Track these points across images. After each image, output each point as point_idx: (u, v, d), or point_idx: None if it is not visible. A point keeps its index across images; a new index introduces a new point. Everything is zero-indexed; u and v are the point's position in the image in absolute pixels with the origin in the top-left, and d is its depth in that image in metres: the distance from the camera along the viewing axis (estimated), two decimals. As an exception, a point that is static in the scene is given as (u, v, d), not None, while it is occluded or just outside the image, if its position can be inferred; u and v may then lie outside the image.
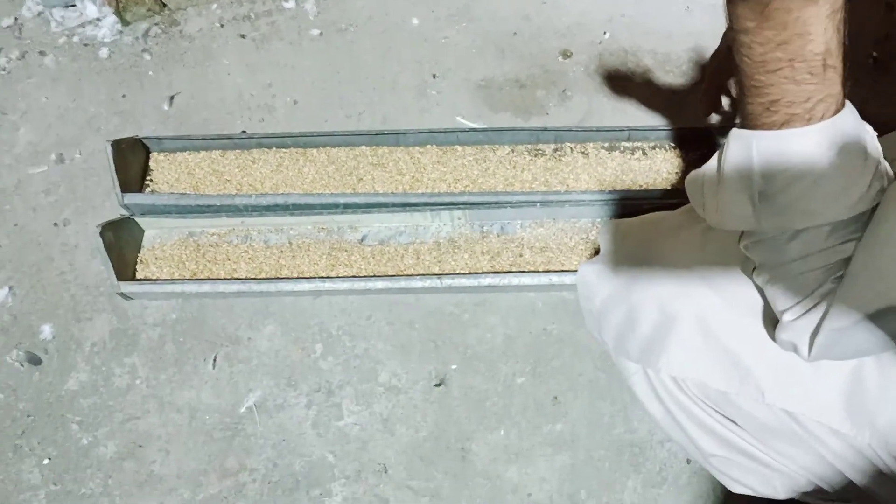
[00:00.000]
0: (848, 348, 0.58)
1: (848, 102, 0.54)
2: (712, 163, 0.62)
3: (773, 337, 0.66)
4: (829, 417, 0.65)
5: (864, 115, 0.56)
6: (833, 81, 0.52)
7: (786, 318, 0.61)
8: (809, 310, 0.58)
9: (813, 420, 0.66)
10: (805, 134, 0.52)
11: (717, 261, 0.71)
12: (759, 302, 0.68)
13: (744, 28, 0.51)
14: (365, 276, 1.05)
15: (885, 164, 0.56)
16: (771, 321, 0.67)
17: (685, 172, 1.10)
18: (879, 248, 0.53)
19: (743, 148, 0.56)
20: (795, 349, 0.61)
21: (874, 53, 1.23)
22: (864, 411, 0.63)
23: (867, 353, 0.60)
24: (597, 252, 1.03)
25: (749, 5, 0.50)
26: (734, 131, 0.58)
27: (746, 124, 0.56)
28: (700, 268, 0.72)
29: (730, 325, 0.70)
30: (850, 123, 0.54)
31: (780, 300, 0.61)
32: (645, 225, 0.89)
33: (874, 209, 0.55)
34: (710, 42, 0.91)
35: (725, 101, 0.97)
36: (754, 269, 0.64)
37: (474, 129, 1.14)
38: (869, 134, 0.56)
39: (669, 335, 0.73)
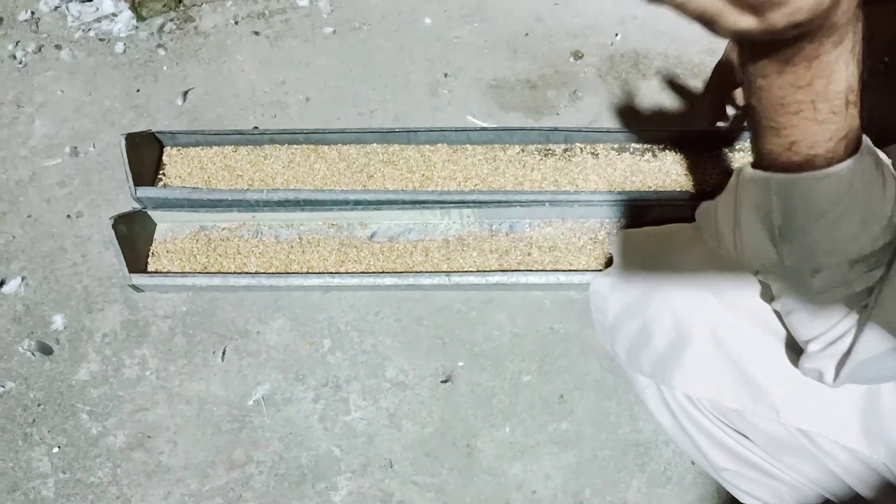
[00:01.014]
0: (874, 375, 0.58)
1: (863, 135, 0.52)
2: (727, 201, 0.60)
3: (791, 360, 0.65)
4: (845, 436, 0.64)
5: (875, 120, 0.55)
6: (854, 116, 0.49)
7: (811, 348, 0.60)
8: (836, 340, 0.57)
9: (827, 438, 0.66)
10: (825, 177, 0.50)
11: (732, 277, 0.70)
12: (775, 319, 0.67)
13: (762, 73, 0.48)
14: (374, 273, 1.05)
15: None
16: (788, 340, 0.66)
17: (695, 174, 1.10)
18: None
19: (761, 190, 0.54)
20: (821, 377, 0.60)
21: (885, 58, 1.23)
22: (879, 430, 0.63)
23: (893, 378, 0.60)
24: (608, 262, 1.03)
25: (771, 60, 0.47)
26: (750, 173, 0.55)
27: (762, 163, 0.54)
28: (715, 284, 0.72)
29: (745, 342, 0.69)
30: (869, 159, 0.51)
31: (803, 331, 0.60)
32: (658, 237, 0.88)
33: None
34: (722, 45, 0.91)
35: (730, 110, 0.98)
36: (772, 297, 0.64)
37: (485, 129, 1.15)
38: (886, 164, 0.54)
39: (684, 352, 0.73)
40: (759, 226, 0.56)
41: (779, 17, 0.40)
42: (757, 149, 0.54)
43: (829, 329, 0.57)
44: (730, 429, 0.74)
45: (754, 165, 0.55)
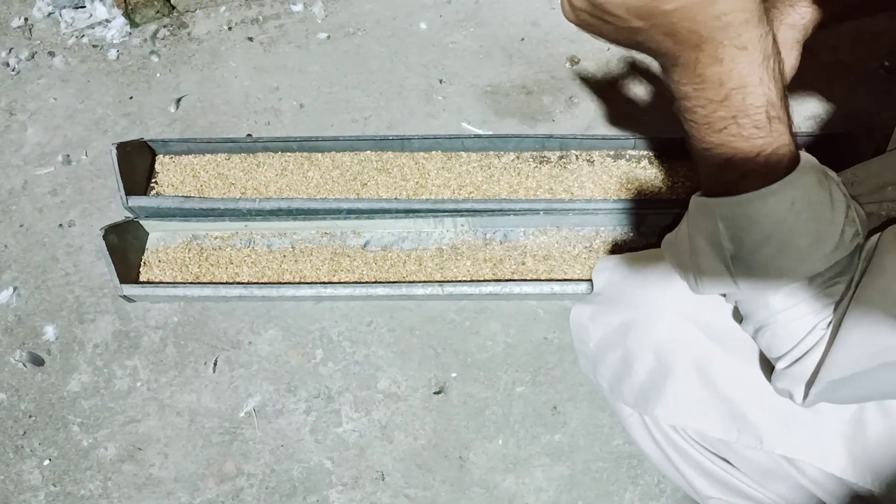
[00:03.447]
0: (845, 396, 0.58)
1: (804, 152, 0.53)
2: (682, 231, 0.62)
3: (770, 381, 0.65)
4: (831, 464, 0.64)
5: (877, 125, 0.54)
6: (780, 133, 0.51)
7: (779, 366, 0.60)
8: (801, 357, 0.57)
9: (813, 466, 0.65)
10: (765, 196, 0.51)
11: (711, 304, 0.69)
12: (755, 346, 0.67)
13: (684, 94, 0.51)
14: (367, 282, 1.05)
15: (857, 208, 0.55)
16: (768, 365, 0.66)
17: (691, 181, 1.09)
18: (875, 302, 0.52)
19: (708, 217, 0.56)
20: (791, 396, 0.60)
21: (886, 63, 1.22)
22: (865, 457, 0.62)
23: (865, 399, 0.60)
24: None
25: (680, 69, 0.50)
26: (696, 200, 0.57)
27: (706, 189, 0.56)
28: (695, 312, 0.71)
29: (726, 371, 0.69)
30: (809, 175, 0.52)
31: (772, 349, 0.60)
32: (638, 264, 0.86)
33: (861, 252, 0.55)
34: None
35: None
36: (741, 318, 0.64)
37: (479, 136, 1.13)
38: (833, 180, 0.55)
39: (666, 383, 0.72)
40: (712, 254, 0.57)
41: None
42: (700, 175, 0.56)
43: (794, 346, 0.57)
44: (715, 457, 0.73)
45: (702, 193, 0.57)
